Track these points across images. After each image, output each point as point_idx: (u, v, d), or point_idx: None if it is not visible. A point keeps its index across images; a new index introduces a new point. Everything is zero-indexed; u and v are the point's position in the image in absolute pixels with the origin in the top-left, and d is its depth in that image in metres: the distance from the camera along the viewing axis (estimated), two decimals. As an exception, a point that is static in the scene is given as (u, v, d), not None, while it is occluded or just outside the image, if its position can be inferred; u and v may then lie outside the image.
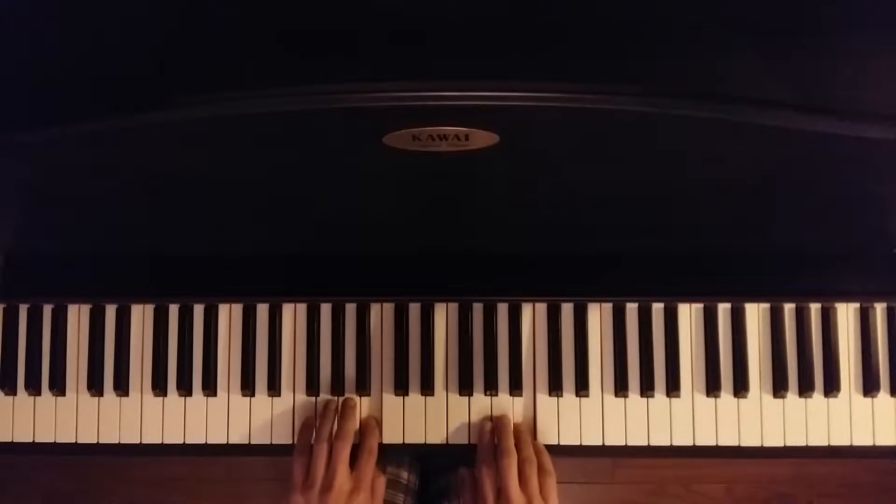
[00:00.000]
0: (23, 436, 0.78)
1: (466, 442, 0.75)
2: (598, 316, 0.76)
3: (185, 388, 0.77)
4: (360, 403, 0.76)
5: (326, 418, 0.73)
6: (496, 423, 0.74)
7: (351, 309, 0.77)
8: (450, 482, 0.90)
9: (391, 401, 0.76)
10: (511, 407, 0.76)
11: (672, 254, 0.74)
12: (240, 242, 0.75)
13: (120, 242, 0.75)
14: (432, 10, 0.51)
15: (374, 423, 0.75)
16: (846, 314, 0.76)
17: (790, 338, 0.76)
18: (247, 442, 0.76)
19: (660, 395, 0.75)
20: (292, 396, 0.76)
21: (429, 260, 0.75)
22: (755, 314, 0.76)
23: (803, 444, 0.75)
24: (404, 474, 0.89)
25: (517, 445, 0.71)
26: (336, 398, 0.76)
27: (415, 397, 0.76)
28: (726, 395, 0.75)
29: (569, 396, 0.75)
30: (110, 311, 0.78)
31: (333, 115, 0.50)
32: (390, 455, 0.89)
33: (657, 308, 0.76)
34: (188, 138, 0.53)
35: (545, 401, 0.76)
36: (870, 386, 0.75)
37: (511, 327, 0.76)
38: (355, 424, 0.74)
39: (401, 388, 0.76)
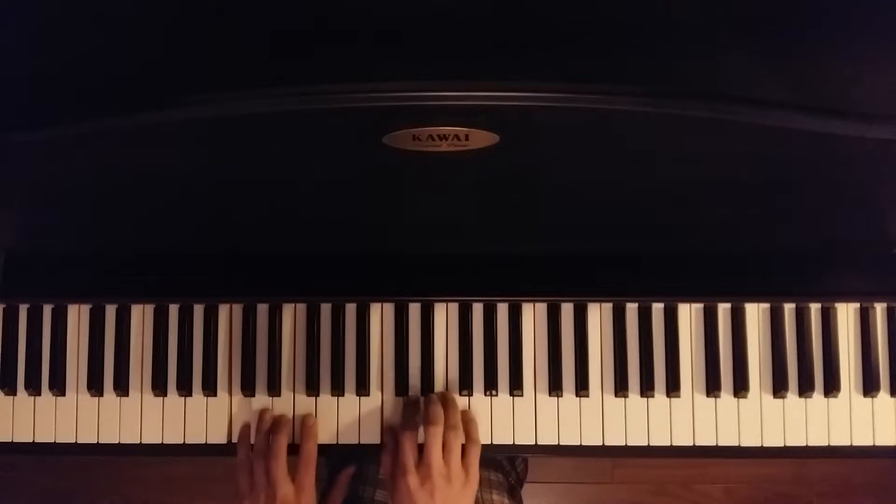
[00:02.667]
0: (23, 436, 0.78)
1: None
2: (598, 316, 0.76)
3: (185, 388, 0.77)
4: (359, 404, 0.76)
5: (260, 432, 0.73)
6: (427, 395, 0.75)
7: (351, 309, 0.77)
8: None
9: (391, 401, 0.76)
10: (511, 407, 0.76)
11: (672, 254, 0.74)
12: (240, 242, 0.75)
13: (120, 242, 0.75)
14: (432, 11, 0.51)
15: (311, 421, 0.75)
16: (846, 314, 0.76)
17: (790, 338, 0.76)
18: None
19: (660, 395, 0.75)
20: (293, 396, 0.76)
21: (429, 260, 0.75)
22: (755, 314, 0.76)
23: (803, 444, 0.75)
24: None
25: (445, 413, 0.71)
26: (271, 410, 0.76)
27: (414, 397, 0.76)
28: (726, 395, 0.75)
29: (569, 396, 0.75)
30: (110, 311, 0.78)
31: (333, 115, 0.50)
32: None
33: (657, 308, 0.76)
34: (188, 138, 0.53)
35: (545, 401, 0.76)
36: (870, 386, 0.75)
37: (511, 327, 0.76)
38: (287, 439, 0.73)
39: (401, 389, 0.76)
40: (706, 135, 0.52)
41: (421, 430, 0.71)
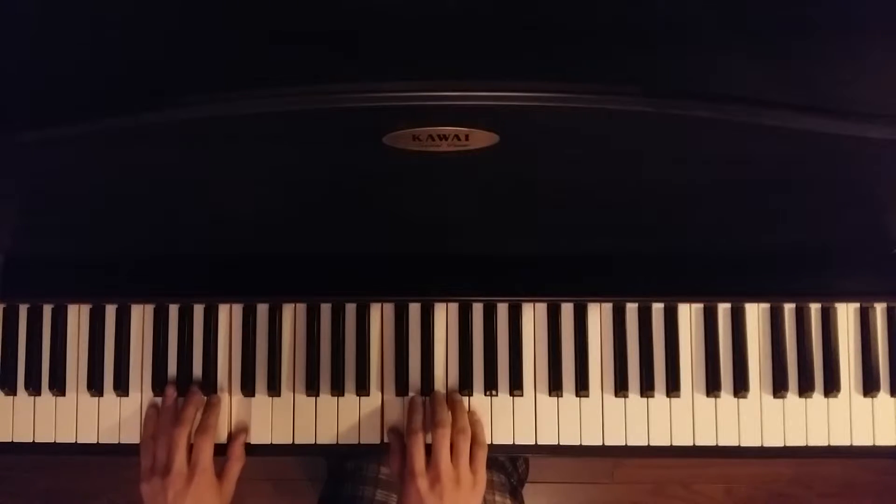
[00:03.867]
0: (23, 436, 0.78)
1: (466, 442, 0.75)
2: (598, 316, 0.76)
3: (184, 389, 0.76)
4: (359, 404, 0.76)
5: (165, 409, 0.74)
6: (432, 397, 0.74)
7: (351, 309, 0.77)
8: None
9: (391, 401, 0.76)
10: (511, 407, 0.76)
11: (672, 254, 0.74)
12: (240, 242, 0.75)
13: (120, 242, 0.75)
14: (432, 11, 0.51)
15: (215, 400, 0.75)
16: (846, 314, 0.76)
17: (790, 338, 0.76)
18: (246, 442, 0.76)
19: (660, 395, 0.75)
20: (292, 396, 0.76)
21: (429, 260, 0.75)
22: (755, 314, 0.76)
23: (803, 444, 0.75)
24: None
25: (453, 416, 0.71)
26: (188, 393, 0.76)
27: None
28: (726, 395, 0.75)
29: (569, 396, 0.75)
30: (110, 311, 0.78)
31: (333, 115, 0.50)
32: (383, 455, 0.89)
33: (657, 308, 0.76)
34: (188, 138, 0.53)
35: (545, 401, 0.76)
36: (870, 386, 0.75)
37: (511, 327, 0.76)
38: (194, 410, 0.74)
39: (401, 389, 0.76)
40: (706, 135, 0.52)
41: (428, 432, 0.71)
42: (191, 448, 0.71)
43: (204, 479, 0.69)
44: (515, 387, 0.75)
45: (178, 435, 0.70)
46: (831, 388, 0.75)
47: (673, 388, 0.75)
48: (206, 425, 0.72)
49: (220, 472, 0.72)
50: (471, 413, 0.74)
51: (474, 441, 0.71)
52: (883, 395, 0.75)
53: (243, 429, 0.76)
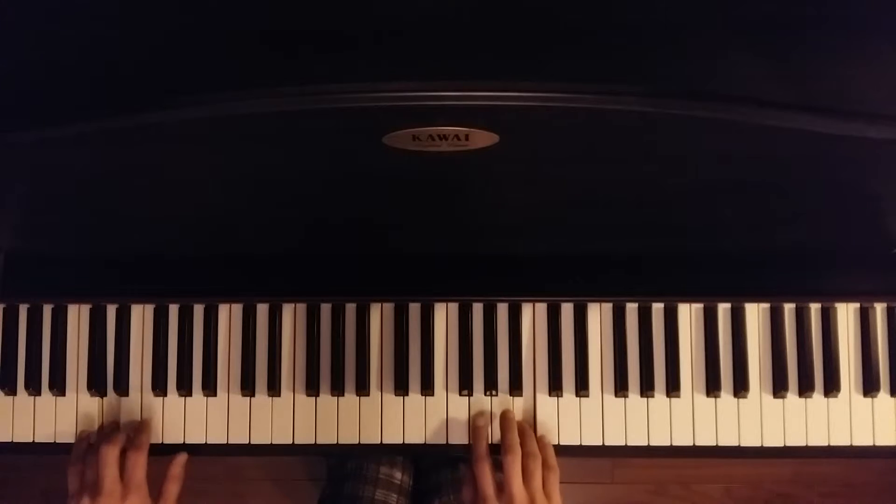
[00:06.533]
0: (23, 436, 0.78)
1: (466, 442, 0.75)
2: (598, 316, 0.76)
3: (185, 388, 0.77)
4: (359, 404, 0.76)
5: (100, 431, 0.74)
6: (501, 419, 0.74)
7: (351, 309, 0.77)
8: (441, 479, 0.90)
9: (391, 401, 0.76)
10: (511, 407, 0.76)
11: (672, 254, 0.74)
12: (240, 242, 0.75)
13: (119, 242, 0.75)
14: (432, 11, 0.51)
15: (145, 426, 0.75)
16: (846, 314, 0.76)
17: (790, 338, 0.76)
18: (246, 442, 0.76)
19: (660, 395, 0.75)
20: (292, 396, 0.76)
21: (429, 260, 0.75)
22: (755, 314, 0.76)
23: (803, 444, 0.75)
24: (397, 474, 0.89)
25: (521, 440, 0.71)
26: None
27: (415, 397, 0.76)
28: (726, 395, 0.75)
29: (569, 396, 0.75)
30: (110, 311, 0.78)
31: (333, 115, 0.50)
32: (383, 455, 0.89)
33: (657, 308, 0.76)
34: (188, 138, 0.53)
35: (545, 401, 0.76)
36: (870, 386, 0.75)
37: (511, 327, 0.76)
38: (125, 435, 0.74)
39: (401, 389, 0.76)
40: (706, 135, 0.52)
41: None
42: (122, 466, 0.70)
43: (138, 498, 0.69)
44: (515, 387, 0.75)
45: (106, 453, 0.69)
46: (831, 388, 0.75)
47: (673, 388, 0.75)
48: (140, 442, 0.72)
49: (157, 493, 0.72)
50: (540, 437, 0.74)
51: (545, 465, 0.70)
52: (883, 395, 0.75)
53: (182, 450, 0.76)
